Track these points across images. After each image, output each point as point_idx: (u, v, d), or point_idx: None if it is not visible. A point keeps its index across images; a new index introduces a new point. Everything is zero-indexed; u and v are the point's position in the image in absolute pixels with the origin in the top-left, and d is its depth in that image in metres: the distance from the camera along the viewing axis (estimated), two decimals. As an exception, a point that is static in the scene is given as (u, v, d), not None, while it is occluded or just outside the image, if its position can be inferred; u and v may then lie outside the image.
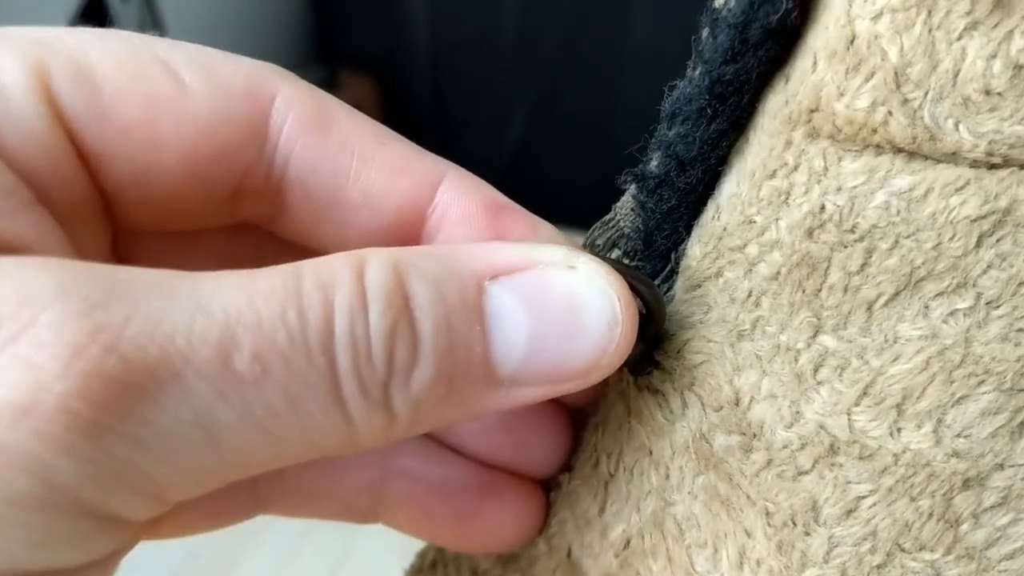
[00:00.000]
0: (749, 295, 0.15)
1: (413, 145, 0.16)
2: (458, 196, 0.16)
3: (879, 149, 0.14)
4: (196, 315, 0.11)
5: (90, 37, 0.14)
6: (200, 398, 0.11)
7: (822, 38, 0.14)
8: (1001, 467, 0.13)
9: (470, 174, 0.17)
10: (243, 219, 0.17)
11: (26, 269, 0.11)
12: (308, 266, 0.13)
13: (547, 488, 0.19)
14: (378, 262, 0.13)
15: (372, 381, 0.12)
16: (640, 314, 0.15)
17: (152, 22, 0.86)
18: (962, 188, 0.13)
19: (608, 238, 0.17)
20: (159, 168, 0.15)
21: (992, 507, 0.13)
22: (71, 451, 0.11)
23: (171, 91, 0.14)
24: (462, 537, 0.18)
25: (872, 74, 0.13)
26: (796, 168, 0.14)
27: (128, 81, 0.14)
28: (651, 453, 0.16)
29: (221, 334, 0.11)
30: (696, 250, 0.16)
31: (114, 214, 0.15)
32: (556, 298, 0.14)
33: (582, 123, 1.01)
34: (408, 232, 0.16)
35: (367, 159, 0.16)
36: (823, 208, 0.14)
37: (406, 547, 0.21)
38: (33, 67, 0.14)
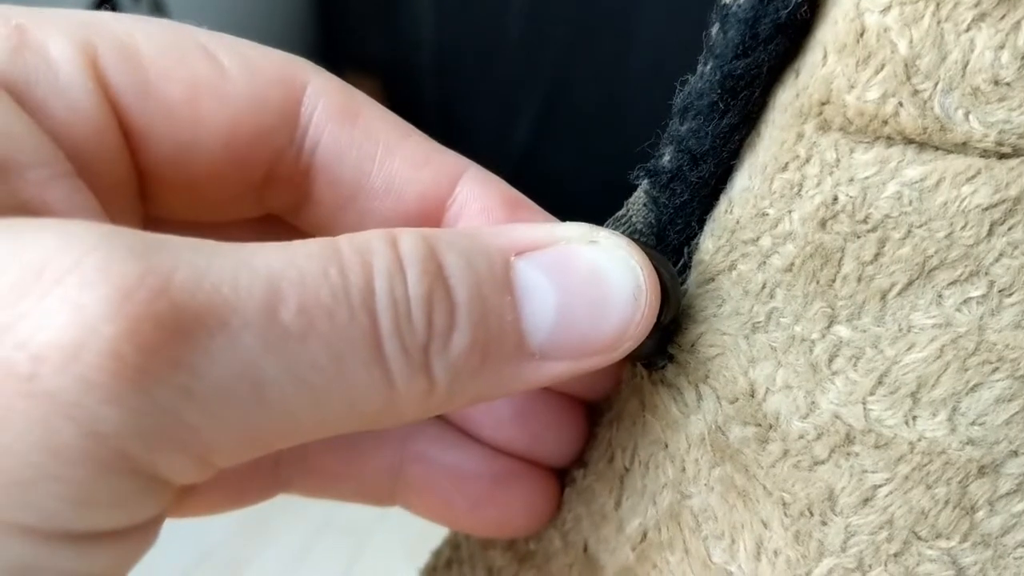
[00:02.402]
0: (763, 287, 0.15)
1: (435, 142, 0.17)
2: (477, 189, 0.17)
3: (890, 140, 0.14)
4: (241, 269, 0.11)
5: (133, 21, 0.15)
6: (247, 350, 0.11)
7: (831, 32, 0.14)
8: (1016, 454, 0.13)
9: (489, 172, 0.17)
10: (270, 209, 0.17)
11: (67, 223, 0.11)
12: (343, 237, 0.13)
13: (561, 478, 0.19)
14: (410, 234, 0.13)
15: (413, 343, 0.13)
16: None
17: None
18: (973, 177, 0.13)
19: (621, 233, 0.17)
20: (198, 147, 0.15)
21: (1007, 494, 0.14)
22: (118, 400, 0.10)
23: (211, 73, 0.15)
24: (476, 522, 0.19)
25: (882, 66, 0.13)
26: (808, 160, 0.14)
27: (171, 61, 0.15)
28: (666, 446, 0.17)
29: (267, 287, 0.11)
30: (709, 244, 0.16)
31: (149, 198, 0.16)
32: (580, 270, 0.14)
33: (588, 126, 1.01)
34: (428, 222, 0.17)
35: (392, 149, 0.16)
36: (836, 199, 0.14)
37: (417, 548, 0.22)
38: (81, 44, 0.14)
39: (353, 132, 0.16)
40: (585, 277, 0.14)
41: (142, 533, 0.12)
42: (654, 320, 0.15)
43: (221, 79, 0.15)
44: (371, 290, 0.12)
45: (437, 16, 1.04)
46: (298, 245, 0.12)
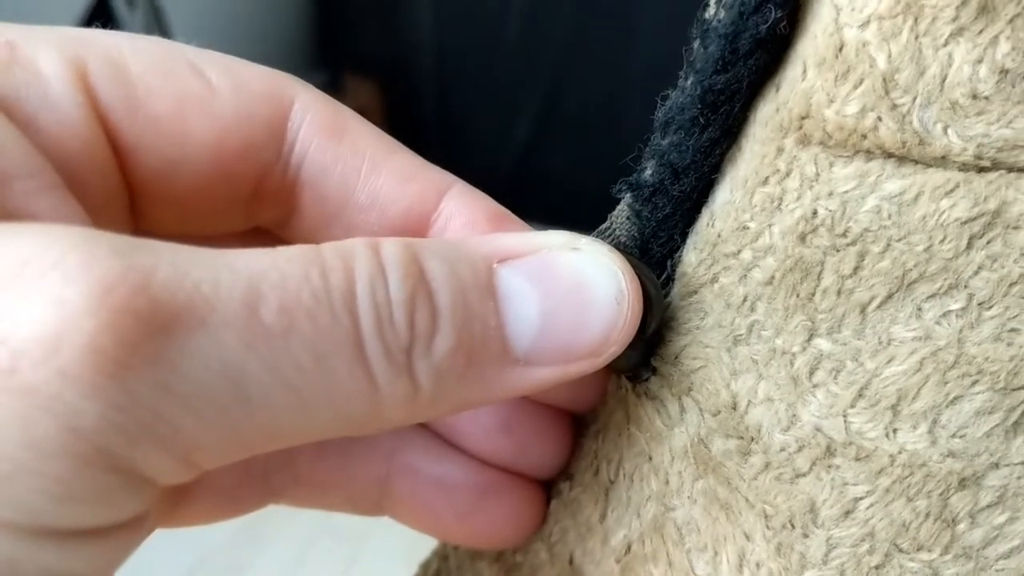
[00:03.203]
0: (744, 300, 0.15)
1: (422, 158, 0.17)
2: (462, 205, 0.17)
3: (869, 154, 0.14)
4: (222, 270, 0.11)
5: (123, 37, 0.15)
6: (228, 348, 0.11)
7: (811, 47, 0.14)
8: (996, 466, 0.13)
9: (475, 189, 0.17)
10: (258, 222, 0.17)
11: (50, 225, 0.11)
12: (327, 244, 0.13)
13: (547, 489, 0.19)
14: (392, 241, 0.13)
15: (395, 345, 0.13)
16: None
17: (158, 27, 0.87)
18: (952, 191, 0.13)
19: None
20: (187, 162, 0.15)
21: (989, 506, 0.14)
22: (97, 394, 0.10)
23: (199, 89, 0.15)
24: (463, 532, 0.19)
25: (861, 81, 0.13)
26: (788, 174, 0.14)
27: (160, 77, 0.15)
28: (651, 459, 0.17)
29: (247, 288, 0.11)
30: (691, 257, 0.16)
31: (138, 213, 0.16)
32: (563, 276, 0.14)
33: (585, 128, 1.01)
34: (413, 236, 0.17)
35: (377, 164, 0.16)
36: (815, 213, 0.14)
37: (411, 556, 0.22)
38: (71, 60, 0.14)
39: (339, 147, 0.16)
40: (568, 283, 0.14)
41: (126, 533, 0.12)
42: (637, 325, 0.15)
43: (209, 94, 0.15)
44: (352, 292, 0.12)
45: (436, 17, 1.04)
46: (280, 250, 0.12)
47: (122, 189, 0.15)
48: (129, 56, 0.15)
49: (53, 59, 0.14)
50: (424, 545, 0.22)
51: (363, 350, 0.12)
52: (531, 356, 0.14)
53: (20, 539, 0.10)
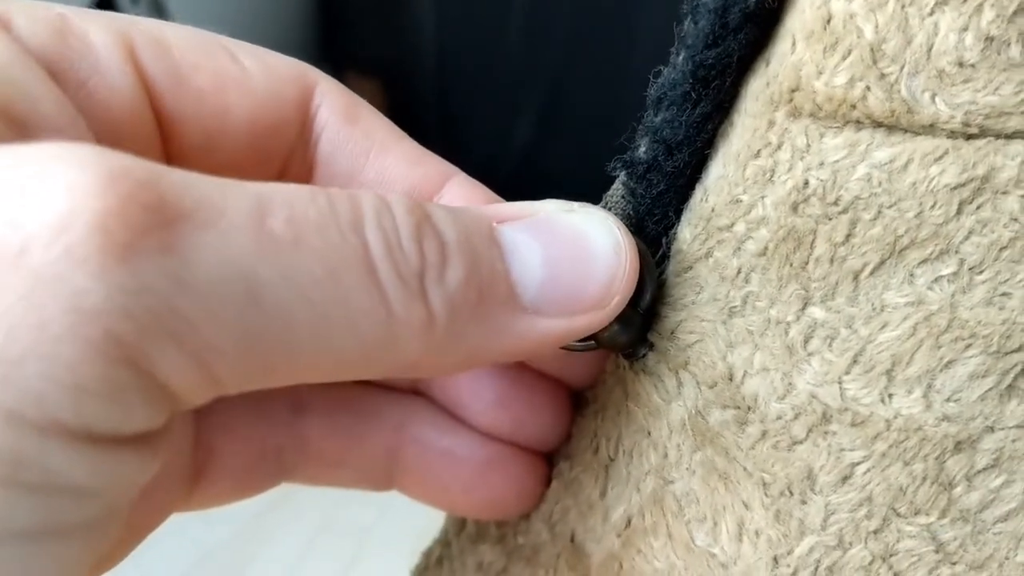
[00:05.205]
0: (739, 272, 0.15)
1: (428, 150, 0.18)
2: (464, 191, 0.17)
3: (859, 124, 0.14)
4: (228, 186, 0.12)
5: (162, 22, 0.16)
6: (239, 249, 0.11)
7: (799, 20, 0.14)
8: (991, 429, 0.14)
9: (477, 180, 0.18)
10: None
11: (60, 140, 0.11)
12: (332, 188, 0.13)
13: (549, 461, 0.20)
14: (395, 193, 0.14)
15: (406, 269, 0.13)
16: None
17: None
18: (941, 158, 0.13)
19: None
20: (225, 136, 0.16)
21: (984, 469, 0.14)
22: (103, 274, 0.10)
23: (234, 68, 0.16)
24: (469, 504, 0.19)
25: (849, 52, 0.13)
26: (779, 147, 0.15)
27: (199, 55, 0.16)
28: (649, 434, 0.17)
29: (255, 201, 0.11)
30: (686, 233, 0.16)
31: None
32: (562, 230, 0.15)
33: (585, 128, 1.01)
34: None
35: (386, 147, 0.17)
36: (807, 183, 0.14)
37: (414, 552, 0.22)
38: (118, 34, 0.15)
39: (352, 130, 0.17)
40: (567, 236, 0.15)
41: (139, 454, 0.11)
42: (637, 277, 0.15)
43: (243, 74, 0.16)
44: (359, 219, 0.12)
45: (438, 17, 1.04)
46: (286, 183, 0.13)
47: (163, 161, 0.16)
48: (170, 35, 0.15)
49: (102, 31, 0.15)
50: (427, 541, 0.22)
51: (374, 269, 0.12)
52: (538, 305, 0.14)
53: (28, 433, 0.10)
